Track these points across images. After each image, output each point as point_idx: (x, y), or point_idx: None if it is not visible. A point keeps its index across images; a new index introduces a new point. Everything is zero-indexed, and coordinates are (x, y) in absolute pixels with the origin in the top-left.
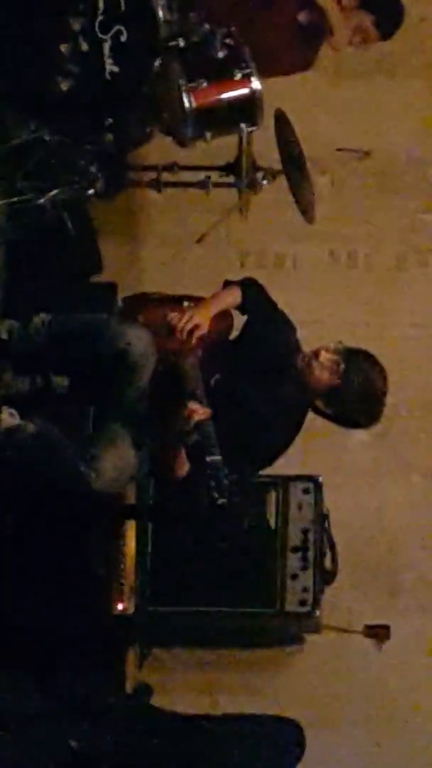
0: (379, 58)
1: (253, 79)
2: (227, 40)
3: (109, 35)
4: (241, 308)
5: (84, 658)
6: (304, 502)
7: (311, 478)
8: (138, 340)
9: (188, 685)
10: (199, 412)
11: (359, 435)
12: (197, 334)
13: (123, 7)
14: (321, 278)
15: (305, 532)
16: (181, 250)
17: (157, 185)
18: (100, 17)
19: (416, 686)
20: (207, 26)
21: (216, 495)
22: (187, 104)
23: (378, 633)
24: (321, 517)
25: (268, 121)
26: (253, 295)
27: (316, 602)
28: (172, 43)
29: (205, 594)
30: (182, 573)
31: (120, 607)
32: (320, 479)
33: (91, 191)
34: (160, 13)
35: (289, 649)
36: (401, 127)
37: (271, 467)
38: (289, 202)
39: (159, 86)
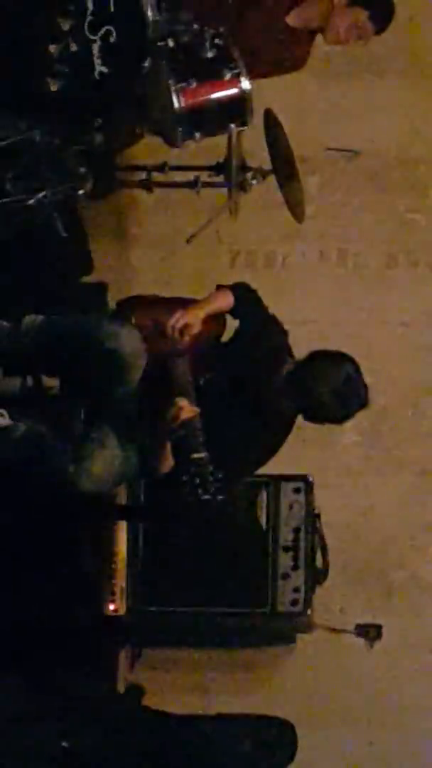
0: (368, 58)
1: (242, 78)
2: (216, 40)
3: (99, 36)
4: (234, 312)
5: (75, 658)
6: (295, 502)
7: (302, 478)
8: (127, 340)
9: (180, 685)
10: (187, 409)
11: (350, 435)
12: (188, 333)
13: (112, 8)
14: (311, 278)
15: (296, 531)
16: (171, 250)
17: (147, 185)
18: (90, 18)
19: (408, 685)
20: (196, 26)
21: (200, 491)
22: (176, 104)
23: (369, 632)
24: (312, 517)
25: (258, 121)
26: (246, 300)
27: (308, 602)
28: (162, 44)
29: (196, 594)
30: (174, 573)
31: (111, 607)
32: (311, 479)
33: (80, 192)
34: (150, 14)
35: (281, 649)
36: (390, 127)
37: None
38: (278, 202)
39: (148, 86)
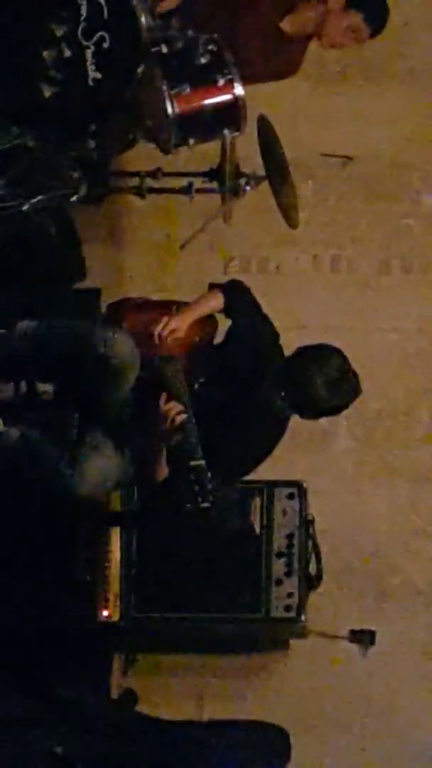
0: (362, 64)
1: (235, 84)
2: (210, 46)
3: (92, 42)
4: (225, 312)
5: (69, 664)
6: (289, 508)
7: (296, 484)
8: (121, 345)
9: (173, 691)
10: (174, 410)
11: (344, 440)
12: (173, 337)
13: (106, 14)
14: (304, 283)
15: (290, 537)
16: (164, 256)
17: (141, 191)
18: (83, 24)
19: (402, 691)
20: (189, 32)
21: (200, 499)
22: (170, 110)
23: (363, 638)
24: (306, 523)
25: (251, 127)
26: (237, 298)
27: (301, 607)
28: (155, 50)
29: (190, 600)
30: (167, 579)
31: (105, 613)
32: (305, 484)
33: (74, 197)
34: (143, 20)
35: (275, 655)
36: (384, 133)
37: (255, 472)
38: (272, 208)
39: (142, 92)
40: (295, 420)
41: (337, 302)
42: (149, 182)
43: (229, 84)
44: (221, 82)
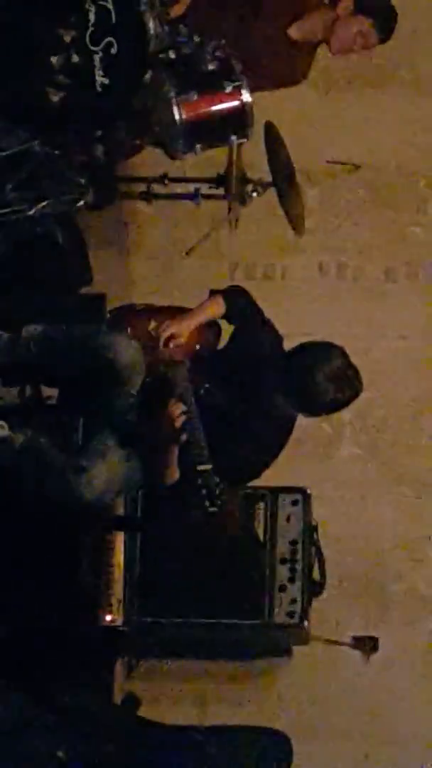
0: (369, 71)
1: (243, 91)
2: (217, 53)
3: (100, 47)
4: (227, 317)
5: (72, 668)
6: (293, 514)
7: (300, 490)
8: (127, 350)
9: (176, 696)
10: (178, 410)
11: (348, 447)
12: (174, 343)
13: (114, 20)
14: (310, 290)
15: (294, 543)
16: (170, 261)
17: (147, 197)
18: (91, 29)
19: (404, 698)
20: (197, 38)
21: (208, 503)
22: (177, 116)
23: (366, 645)
24: (309, 529)
25: (258, 134)
26: (238, 303)
27: (305, 614)
28: (163, 56)
29: (193, 605)
30: (170, 584)
31: (108, 618)
32: (309, 491)
33: (81, 203)
34: (151, 26)
35: (277, 661)
36: (391, 140)
37: (259, 479)
38: (278, 215)
39: (149, 98)
40: (299, 427)
41: (342, 309)
42: (156, 188)
43: (237, 90)
44: (229, 88)
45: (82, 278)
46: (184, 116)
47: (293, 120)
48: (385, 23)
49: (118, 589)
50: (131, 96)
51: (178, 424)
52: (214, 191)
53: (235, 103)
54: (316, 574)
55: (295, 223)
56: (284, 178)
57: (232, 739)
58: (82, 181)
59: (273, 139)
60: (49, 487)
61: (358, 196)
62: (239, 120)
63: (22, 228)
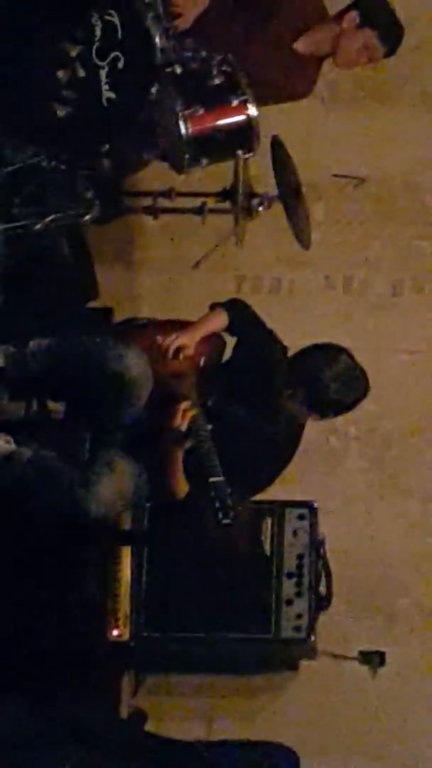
0: (375, 85)
1: (249, 105)
2: (224, 67)
3: (106, 62)
4: (230, 330)
5: (79, 683)
6: (300, 528)
7: (306, 504)
8: (134, 363)
9: (183, 711)
10: (185, 406)
11: (355, 461)
12: (183, 355)
13: (120, 34)
14: (316, 304)
15: (300, 557)
16: (177, 275)
17: (154, 211)
18: (97, 44)
19: (411, 713)
20: (203, 53)
21: (221, 516)
22: (183, 131)
23: (373, 659)
24: (316, 543)
25: (265, 148)
26: (239, 316)
27: (311, 628)
28: (169, 70)
29: (199, 620)
30: (177, 599)
31: (115, 633)
32: (315, 505)
33: (87, 217)
34: (157, 40)
35: (284, 675)
36: (397, 154)
37: (266, 493)
38: (284, 228)
39: (155, 113)
40: (306, 440)
41: (349, 323)
42: (162, 202)
43: (243, 105)
44: (235, 102)
45: (88, 292)
46: (190, 130)
47: (300, 134)
48: (391, 36)
49: (124, 604)
50: (137, 110)
51: (183, 424)
52: (220, 205)
53: (242, 117)
54: (322, 589)
55: (302, 236)
56: (290, 192)
57: (239, 754)
58: (89, 195)
59: (279, 152)
60: (56, 502)
61: (365, 209)
62: (245, 134)
63: (29, 242)
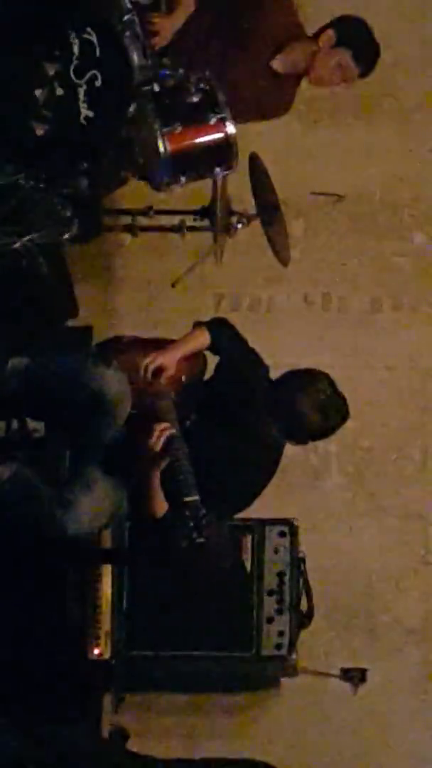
0: (353, 103)
1: (227, 123)
2: (201, 85)
3: (84, 80)
4: (212, 348)
5: (60, 702)
6: (280, 546)
7: (287, 522)
8: (113, 382)
9: (165, 729)
10: (161, 426)
11: (335, 478)
12: (164, 375)
13: (98, 53)
14: (295, 321)
15: (281, 575)
16: (156, 293)
17: (132, 229)
18: (75, 62)
19: (393, 728)
20: (181, 71)
21: (195, 535)
22: (162, 149)
23: (354, 676)
24: (297, 561)
25: (243, 165)
26: (222, 334)
27: (292, 646)
28: (147, 88)
29: (181, 638)
30: (158, 617)
31: (96, 651)
32: (296, 522)
33: (66, 235)
34: (135, 58)
35: (265, 693)
36: (375, 171)
37: (246, 510)
38: (263, 246)
39: (134, 131)
40: (286, 458)
41: (327, 340)
42: (141, 220)
43: (221, 122)
44: (213, 120)
45: (67, 311)
46: (168, 148)
47: (278, 151)
48: (366, 57)
49: (105, 622)
50: (116, 128)
51: (159, 443)
52: (199, 223)
53: (220, 135)
54: (303, 606)
55: (280, 254)
56: (269, 210)
57: None
58: (68, 214)
59: (258, 170)
60: (35, 521)
61: (343, 226)
62: (223, 152)
63: (7, 261)
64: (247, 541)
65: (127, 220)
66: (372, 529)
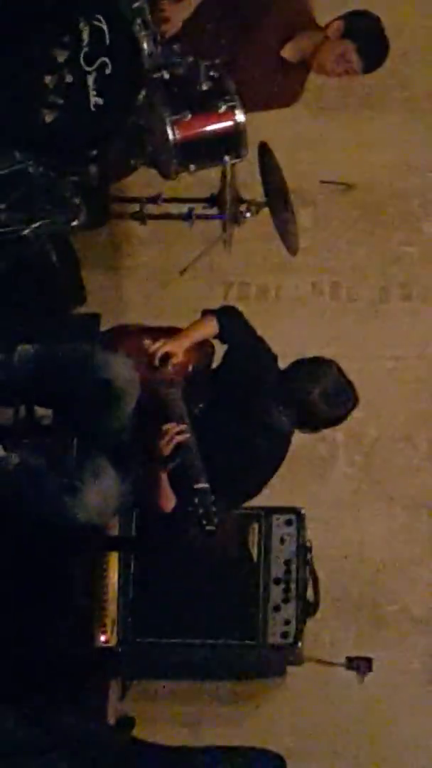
0: (363, 92)
1: (237, 111)
2: (211, 73)
3: (94, 67)
4: (220, 337)
5: (66, 689)
6: (287, 534)
7: (294, 510)
8: (122, 370)
9: (170, 717)
10: (175, 429)
11: (342, 467)
12: (171, 362)
13: (108, 40)
14: (303, 310)
15: (287, 564)
16: (164, 281)
17: (141, 217)
18: (85, 49)
19: (398, 718)
20: (191, 59)
21: (205, 522)
22: (171, 136)
23: (360, 665)
24: (303, 549)
25: (252, 154)
26: (230, 323)
27: (298, 634)
28: (157, 76)
29: (187, 626)
30: (165, 605)
31: (102, 638)
32: (303, 511)
33: (74, 223)
34: (145, 46)
35: (271, 681)
36: (384, 160)
37: (253, 499)
38: (272, 234)
39: (143, 118)
40: (293, 447)
41: (336, 329)
42: (150, 208)
43: (231, 111)
44: (222, 108)
45: (75, 298)
46: (177, 136)
47: (287, 140)
48: (370, 53)
49: (112, 610)
50: (125, 116)
51: (176, 441)
52: (208, 211)
53: (229, 123)
54: (309, 595)
55: (289, 242)
56: (278, 198)
57: (227, 759)
58: (76, 201)
59: (267, 159)
60: (42, 508)
61: (352, 215)
62: (233, 140)
63: (16, 248)
64: (254, 529)
65: (135, 207)
66: (379, 518)
